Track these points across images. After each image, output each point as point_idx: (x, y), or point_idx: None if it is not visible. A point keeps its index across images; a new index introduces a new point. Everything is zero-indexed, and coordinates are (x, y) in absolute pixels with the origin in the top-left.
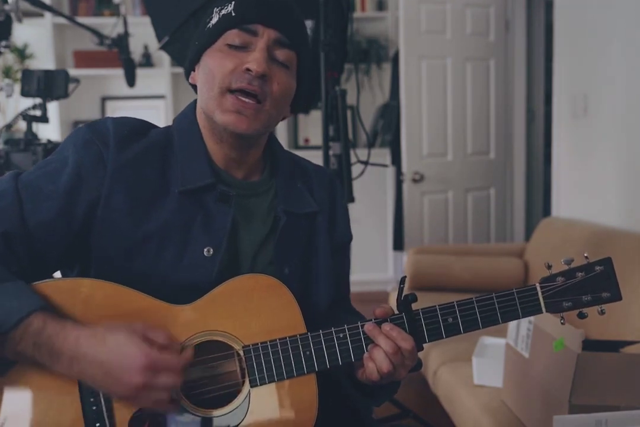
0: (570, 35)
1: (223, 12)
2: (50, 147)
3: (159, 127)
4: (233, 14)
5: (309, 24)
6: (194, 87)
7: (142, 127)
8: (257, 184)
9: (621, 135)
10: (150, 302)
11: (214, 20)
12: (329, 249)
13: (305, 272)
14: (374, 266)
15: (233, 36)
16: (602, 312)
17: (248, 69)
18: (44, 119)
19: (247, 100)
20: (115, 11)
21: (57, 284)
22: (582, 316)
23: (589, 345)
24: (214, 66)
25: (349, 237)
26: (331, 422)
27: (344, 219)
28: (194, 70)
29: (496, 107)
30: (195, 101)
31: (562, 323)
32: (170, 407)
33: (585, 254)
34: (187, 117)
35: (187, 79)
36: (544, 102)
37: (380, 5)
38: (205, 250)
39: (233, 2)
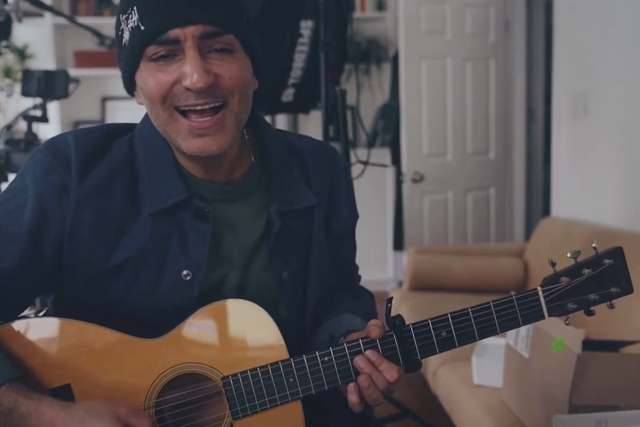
0: (570, 35)
1: (130, 24)
2: None
3: (122, 137)
4: (142, 28)
5: (309, 24)
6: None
7: (104, 142)
8: (244, 184)
9: (621, 135)
10: (119, 337)
11: (126, 35)
12: (324, 243)
13: (304, 270)
14: (374, 266)
15: (152, 52)
16: (611, 306)
17: (188, 89)
18: (44, 119)
19: (202, 119)
20: (115, 11)
21: (21, 325)
22: (589, 313)
23: (589, 345)
24: (149, 89)
25: (354, 219)
26: (335, 421)
27: (348, 200)
28: (136, 90)
29: (496, 107)
30: None
31: (567, 324)
32: None
33: (594, 245)
34: (147, 126)
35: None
36: (544, 102)
37: (380, 6)
38: (184, 273)
39: (135, 7)
